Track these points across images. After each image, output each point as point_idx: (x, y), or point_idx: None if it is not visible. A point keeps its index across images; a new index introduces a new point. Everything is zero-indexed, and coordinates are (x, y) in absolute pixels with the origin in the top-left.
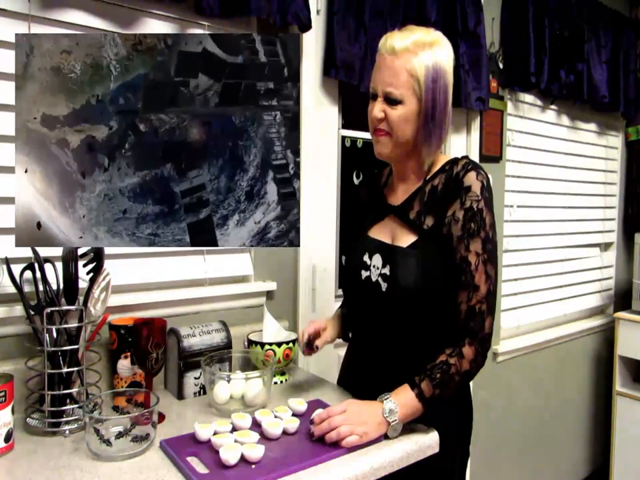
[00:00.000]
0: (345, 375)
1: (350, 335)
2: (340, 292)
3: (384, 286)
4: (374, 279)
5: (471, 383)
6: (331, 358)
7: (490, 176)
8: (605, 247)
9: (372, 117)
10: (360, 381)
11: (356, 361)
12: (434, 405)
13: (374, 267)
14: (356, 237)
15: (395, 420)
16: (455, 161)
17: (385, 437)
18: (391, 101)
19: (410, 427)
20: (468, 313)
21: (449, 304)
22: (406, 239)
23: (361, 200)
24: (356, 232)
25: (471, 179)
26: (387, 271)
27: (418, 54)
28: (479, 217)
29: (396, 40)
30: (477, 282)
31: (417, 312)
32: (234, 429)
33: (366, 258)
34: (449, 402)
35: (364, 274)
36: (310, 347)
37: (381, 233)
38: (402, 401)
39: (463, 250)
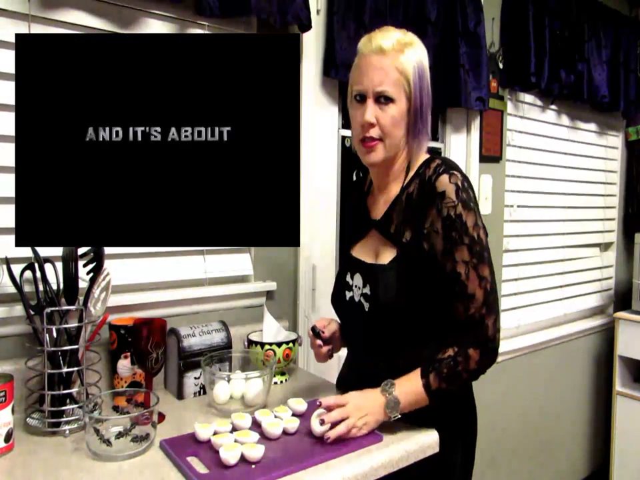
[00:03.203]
0: (343, 379)
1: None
2: None
3: (366, 306)
4: (357, 299)
5: (474, 386)
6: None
7: (490, 175)
8: (605, 246)
9: (363, 121)
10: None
11: (352, 369)
12: (441, 397)
13: (356, 286)
14: (344, 251)
15: (397, 415)
16: (427, 163)
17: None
18: (384, 100)
19: (410, 427)
20: (468, 322)
21: (435, 315)
22: (387, 255)
23: (351, 206)
24: (346, 244)
25: (444, 183)
26: (367, 290)
27: (404, 52)
28: (459, 223)
29: (380, 40)
30: (471, 291)
31: (402, 328)
32: (234, 429)
33: (348, 278)
34: (452, 406)
35: (347, 294)
36: (317, 334)
37: (364, 251)
38: (407, 389)
39: (450, 263)
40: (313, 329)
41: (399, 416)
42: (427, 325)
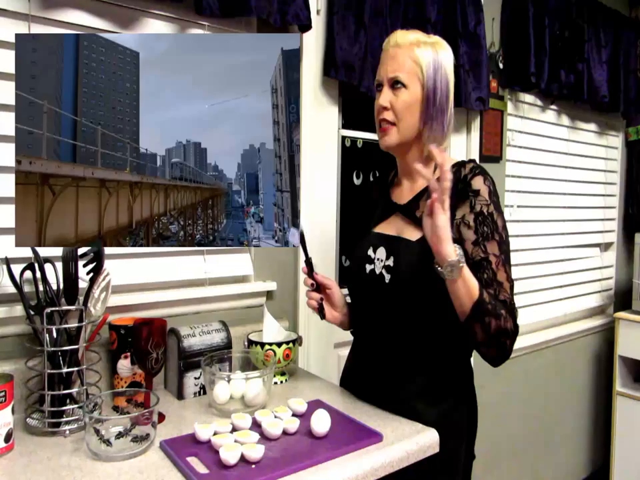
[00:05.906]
0: (348, 372)
1: (352, 331)
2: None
3: (387, 277)
4: (378, 272)
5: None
6: (331, 358)
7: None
8: (605, 247)
9: (378, 106)
10: (363, 378)
11: (359, 358)
12: (482, 318)
13: (378, 259)
14: (362, 234)
15: (455, 266)
16: (462, 164)
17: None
18: (397, 85)
19: (410, 426)
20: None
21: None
22: (412, 234)
23: (372, 198)
24: (363, 229)
25: (479, 183)
26: (390, 262)
27: (420, 46)
28: (490, 221)
29: (399, 36)
30: (500, 279)
31: (420, 305)
32: (234, 429)
33: (370, 252)
34: (455, 403)
35: (368, 267)
36: (310, 267)
37: (386, 229)
38: (467, 274)
39: (481, 252)
40: (308, 260)
41: (461, 268)
42: (442, 308)
